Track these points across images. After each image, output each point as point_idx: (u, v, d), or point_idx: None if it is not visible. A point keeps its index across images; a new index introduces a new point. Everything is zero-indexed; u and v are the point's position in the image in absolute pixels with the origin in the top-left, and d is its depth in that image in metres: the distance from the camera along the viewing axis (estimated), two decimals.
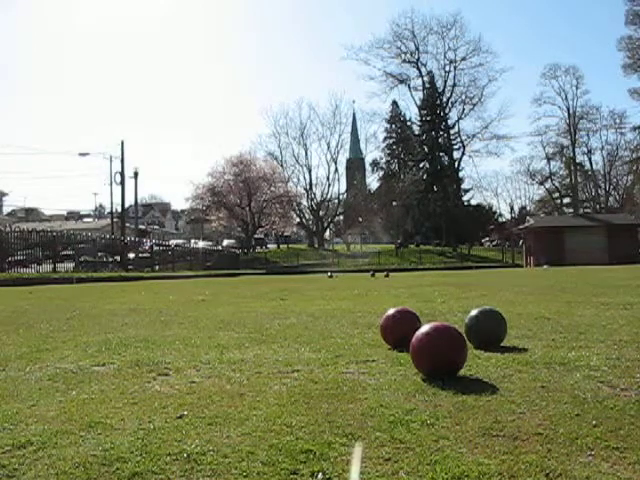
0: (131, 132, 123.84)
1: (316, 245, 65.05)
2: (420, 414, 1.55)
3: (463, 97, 68.70)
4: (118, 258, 28.47)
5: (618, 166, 70.33)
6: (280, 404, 1.69)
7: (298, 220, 65.72)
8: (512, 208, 72.84)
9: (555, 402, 1.66)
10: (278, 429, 1.45)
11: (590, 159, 71.15)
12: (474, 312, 3.04)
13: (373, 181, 75.85)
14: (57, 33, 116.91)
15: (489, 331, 2.93)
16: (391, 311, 3.25)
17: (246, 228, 56.83)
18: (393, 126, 72.21)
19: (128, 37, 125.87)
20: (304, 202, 65.82)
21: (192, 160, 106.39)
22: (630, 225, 45.16)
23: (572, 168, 69.26)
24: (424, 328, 2.23)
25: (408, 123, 71.75)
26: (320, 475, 1.14)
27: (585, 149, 70.66)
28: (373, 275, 21.39)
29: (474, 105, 67.82)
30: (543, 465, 1.18)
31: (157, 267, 31.51)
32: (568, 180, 72.08)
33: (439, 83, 69.52)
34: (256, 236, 59.51)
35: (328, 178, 67.57)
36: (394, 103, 71.82)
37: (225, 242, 61.29)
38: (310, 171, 67.28)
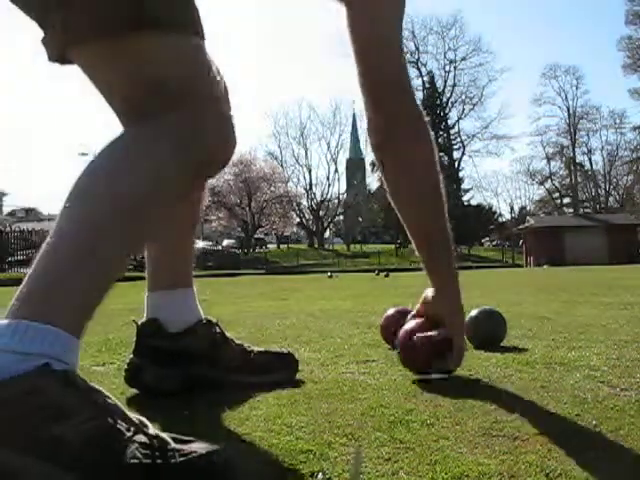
0: None
1: (316, 245, 65.07)
2: (420, 414, 1.55)
3: (463, 97, 68.92)
4: None
5: (618, 166, 70.46)
6: (280, 404, 1.69)
7: (298, 220, 65.80)
8: (512, 208, 73.00)
9: (555, 402, 1.66)
10: (278, 429, 1.44)
11: (590, 159, 71.31)
12: (474, 312, 3.04)
13: (373, 181, 76.04)
14: None
15: (489, 331, 2.93)
16: (391, 311, 3.25)
17: (246, 228, 56.89)
18: None
19: None
20: (304, 202, 65.94)
21: None
22: (630, 225, 45.21)
23: (572, 168, 69.27)
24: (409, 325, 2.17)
25: None
26: (320, 475, 1.14)
27: (585, 149, 70.83)
28: (378, 274, 21.45)
29: (474, 105, 68.05)
30: (543, 465, 1.18)
31: None
32: (568, 180, 72.14)
33: (439, 83, 69.70)
34: (256, 236, 59.55)
35: (328, 178, 67.76)
36: None
37: (225, 242, 61.36)
38: (310, 171, 67.54)
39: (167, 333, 1.70)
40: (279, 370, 1.83)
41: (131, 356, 1.78)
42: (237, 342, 1.82)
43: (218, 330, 1.81)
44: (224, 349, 1.77)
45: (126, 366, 1.82)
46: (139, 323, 1.76)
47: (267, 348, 1.90)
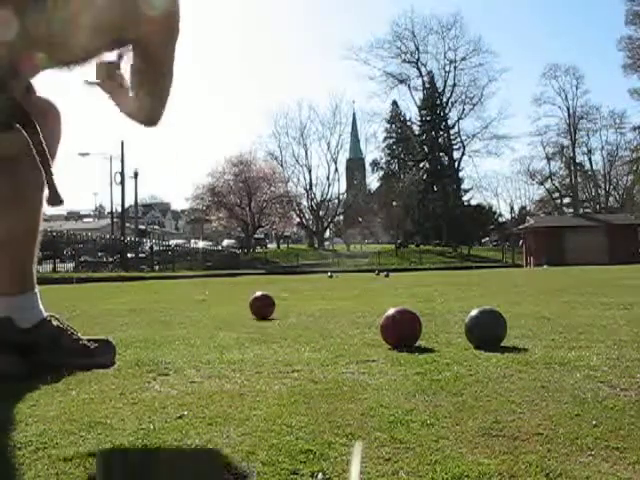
0: (131, 132, 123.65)
1: (316, 245, 65.04)
2: (420, 414, 1.54)
3: (463, 97, 68.91)
4: (118, 258, 28.49)
5: (618, 166, 70.39)
6: (280, 404, 1.68)
7: (298, 220, 65.80)
8: (512, 208, 72.91)
9: (555, 402, 1.66)
10: (278, 429, 1.44)
11: (590, 159, 71.26)
12: (474, 312, 3.04)
13: (373, 181, 76.14)
14: None
15: (489, 331, 2.93)
16: (391, 311, 3.25)
17: (246, 228, 56.91)
18: (393, 126, 72.31)
19: None
20: (304, 202, 65.92)
21: (192, 160, 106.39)
22: (630, 225, 45.21)
23: (572, 168, 69.23)
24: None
25: (408, 123, 71.87)
26: (320, 475, 1.14)
27: (585, 149, 70.77)
28: (378, 274, 21.52)
29: (474, 105, 68.04)
30: (543, 465, 1.18)
31: (157, 267, 31.54)
32: (568, 180, 72.10)
33: (439, 83, 69.72)
34: (256, 236, 59.53)
35: (328, 178, 67.69)
36: (394, 103, 72.01)
37: (225, 242, 61.34)
38: (310, 171, 67.38)
39: (19, 329, 2.10)
40: (103, 354, 2.26)
41: None
42: (70, 331, 2.23)
43: (58, 324, 2.23)
44: (62, 339, 2.19)
45: None
46: None
47: (89, 337, 2.32)
